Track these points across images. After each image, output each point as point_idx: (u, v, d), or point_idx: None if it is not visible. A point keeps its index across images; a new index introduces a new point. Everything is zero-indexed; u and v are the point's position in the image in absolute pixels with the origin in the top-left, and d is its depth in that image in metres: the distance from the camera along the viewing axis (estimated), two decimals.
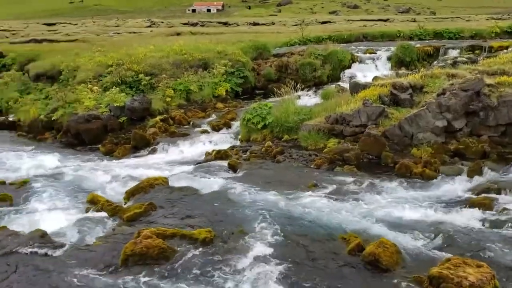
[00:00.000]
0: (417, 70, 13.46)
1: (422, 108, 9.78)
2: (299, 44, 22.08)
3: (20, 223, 7.33)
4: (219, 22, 61.94)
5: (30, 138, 13.89)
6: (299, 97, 13.80)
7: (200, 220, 7.06)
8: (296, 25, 43.15)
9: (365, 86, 11.57)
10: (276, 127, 11.17)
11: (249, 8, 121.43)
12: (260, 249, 6.17)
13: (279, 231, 6.58)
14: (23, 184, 9.37)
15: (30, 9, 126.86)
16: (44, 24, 63.87)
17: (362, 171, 8.92)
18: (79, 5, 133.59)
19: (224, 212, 7.30)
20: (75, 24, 61.45)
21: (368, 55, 19.32)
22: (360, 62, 18.89)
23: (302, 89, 13.49)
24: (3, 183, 9.52)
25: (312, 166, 9.31)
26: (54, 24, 63.08)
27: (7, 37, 39.19)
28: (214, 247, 6.22)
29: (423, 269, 5.42)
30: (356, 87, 11.71)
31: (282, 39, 23.28)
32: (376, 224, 6.70)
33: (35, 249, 6.16)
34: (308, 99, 14.94)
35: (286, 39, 23.15)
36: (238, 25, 54.02)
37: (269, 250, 6.12)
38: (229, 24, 56.80)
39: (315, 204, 7.44)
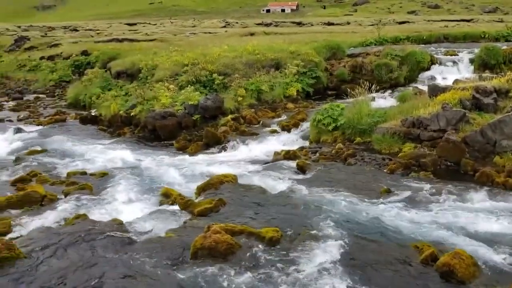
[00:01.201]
0: (502, 73, 12.57)
1: (507, 114, 9.12)
2: (375, 45, 21.52)
3: (99, 212, 7.75)
4: (293, 22, 61.91)
5: (110, 132, 14.62)
6: (373, 98, 13.43)
7: (267, 219, 7.07)
8: (372, 25, 42.09)
9: (444, 89, 11.02)
10: (348, 129, 10.93)
11: (324, 8, 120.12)
12: (327, 252, 6.05)
13: (348, 236, 6.42)
14: (103, 175, 9.91)
15: (114, 10, 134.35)
16: (126, 24, 67.39)
17: (439, 178, 8.48)
18: (159, 5, 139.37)
19: (291, 213, 7.25)
20: (154, 24, 64.24)
21: (449, 56, 18.41)
22: (440, 64, 18.04)
23: (377, 91, 13.06)
24: (85, 173, 10.13)
25: (385, 170, 9.00)
26: (134, 24, 66.40)
27: (92, 36, 41.83)
28: (280, 247, 6.20)
29: (502, 284, 5.04)
30: (435, 90, 11.19)
31: (357, 39, 22.82)
32: (452, 234, 6.34)
33: (112, 237, 6.47)
34: (383, 101, 14.50)
35: (361, 39, 22.66)
36: (312, 25, 53.69)
37: (336, 254, 5.99)
38: (303, 24, 56.59)
39: (387, 210, 7.18)
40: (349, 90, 12.95)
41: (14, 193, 8.62)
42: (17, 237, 6.68)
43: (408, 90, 14.82)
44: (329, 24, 53.00)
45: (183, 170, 10.08)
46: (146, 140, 13.32)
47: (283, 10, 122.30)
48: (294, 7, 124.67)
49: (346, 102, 12.39)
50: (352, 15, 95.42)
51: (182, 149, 12.11)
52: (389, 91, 16.53)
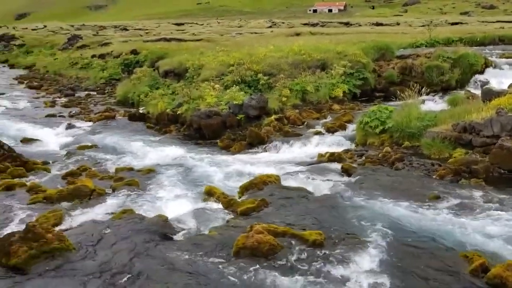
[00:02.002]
0: None
1: None
2: (425, 46, 20.90)
3: (145, 207, 7.91)
4: (340, 22, 61.19)
5: (157, 130, 14.91)
6: (423, 101, 13.01)
7: (310, 221, 6.99)
8: (423, 25, 40.92)
9: (499, 94, 10.54)
10: (396, 132, 10.64)
11: (373, 8, 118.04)
12: (371, 258, 5.93)
13: (393, 242, 6.25)
14: (149, 171, 10.11)
15: (163, 9, 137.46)
16: (174, 24, 68.78)
17: (491, 186, 8.10)
18: (206, 6, 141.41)
19: (335, 216, 7.14)
20: (201, 24, 65.23)
21: (504, 59, 17.62)
22: (495, 67, 17.29)
23: (427, 94, 12.70)
24: (132, 169, 10.38)
25: (434, 176, 8.69)
26: (182, 24, 67.67)
27: (141, 36, 42.93)
28: (324, 250, 6.11)
29: None
30: (489, 94, 10.72)
31: (407, 40, 22.25)
32: (504, 245, 6.04)
33: (157, 233, 6.60)
34: (433, 104, 14.05)
35: (411, 40, 22.08)
36: (360, 25, 52.87)
37: (381, 260, 5.85)
38: (351, 24, 55.82)
39: (435, 217, 6.93)
40: (398, 92, 12.63)
41: (65, 187, 8.95)
42: (67, 229, 6.92)
43: (459, 93, 14.28)
44: (378, 24, 51.99)
45: (226, 169, 10.14)
46: (191, 138, 13.49)
47: (330, 10, 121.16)
48: (342, 7, 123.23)
49: (395, 105, 12.08)
50: (402, 15, 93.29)
51: (226, 148, 12.19)
52: (440, 94, 16.01)
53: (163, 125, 15.03)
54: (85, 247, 6.14)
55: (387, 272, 5.58)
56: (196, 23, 69.71)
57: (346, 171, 9.14)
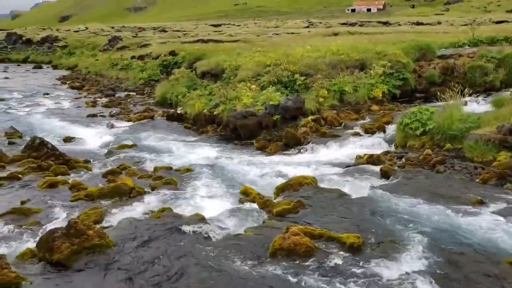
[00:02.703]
0: None
1: None
2: (468, 46, 20.20)
3: (182, 206, 8.01)
4: (379, 22, 60.20)
5: (194, 130, 15.10)
6: (465, 103, 12.59)
7: (347, 224, 6.88)
8: (465, 24, 39.68)
9: None
10: (437, 134, 10.34)
11: (413, 7, 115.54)
12: (411, 263, 5.76)
13: (434, 247, 6.06)
14: (186, 171, 10.23)
15: (201, 11, 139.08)
16: (211, 25, 69.50)
17: None
18: (243, 7, 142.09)
19: (373, 219, 6.99)
20: (238, 25, 65.60)
21: None
22: None
23: (470, 95, 12.26)
24: (170, 168, 10.54)
25: (477, 180, 8.39)
26: (219, 25, 68.30)
27: (179, 37, 43.61)
28: (361, 254, 6.00)
29: None
30: None
31: (448, 40, 21.58)
32: None
33: (195, 232, 6.65)
34: (476, 105, 13.56)
35: (453, 39, 21.39)
36: (399, 24, 51.83)
37: (421, 266, 5.68)
38: (390, 24, 54.82)
39: (478, 222, 6.68)
40: (439, 93, 12.28)
41: (105, 185, 9.17)
42: (107, 226, 7.08)
43: (505, 94, 13.72)
44: (418, 23, 50.79)
45: (262, 170, 10.14)
46: (227, 139, 13.57)
47: (369, 10, 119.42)
48: (381, 7, 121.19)
49: (436, 106, 11.74)
50: (443, 14, 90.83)
51: (262, 149, 12.18)
52: (483, 95, 15.45)
53: (200, 125, 15.18)
54: (125, 244, 6.26)
55: (426, 279, 5.41)
56: (233, 24, 70.17)
57: (385, 174, 8.95)
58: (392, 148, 11.01)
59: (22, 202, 8.40)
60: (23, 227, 7.29)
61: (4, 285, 5.23)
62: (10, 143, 13.44)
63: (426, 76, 16.91)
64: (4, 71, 41.18)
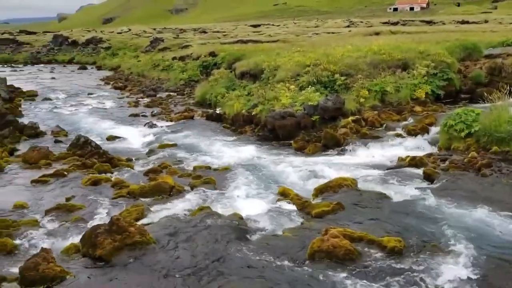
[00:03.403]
0: None
1: None
2: None
3: (221, 205, 8.05)
4: (422, 21, 58.70)
5: (233, 130, 15.18)
6: None
7: (388, 227, 6.72)
8: None
9: None
10: (483, 136, 9.94)
11: (458, 5, 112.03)
12: (454, 269, 5.57)
13: (479, 253, 5.83)
14: (225, 170, 10.30)
15: (241, 11, 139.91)
16: (250, 25, 69.77)
17: None
18: (283, 7, 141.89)
19: (415, 223, 6.80)
20: (277, 25, 65.55)
21: None
22: None
23: None
24: (209, 167, 10.64)
25: None
26: (258, 25, 68.46)
27: (219, 38, 44.03)
28: (403, 258, 5.85)
29: None
30: None
31: (496, 39, 20.75)
32: None
33: (233, 231, 6.67)
34: None
35: (501, 38, 20.54)
36: (443, 23, 50.38)
37: (465, 273, 5.48)
38: (434, 23, 53.35)
39: None
40: (485, 94, 11.80)
41: (146, 183, 9.35)
42: (148, 224, 7.21)
43: None
44: (463, 22, 49.16)
45: (300, 170, 10.05)
46: (265, 139, 13.56)
47: (411, 9, 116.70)
48: (424, 5, 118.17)
49: (482, 107, 11.30)
50: (491, 12, 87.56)
51: (300, 149, 12.09)
52: None
53: (239, 125, 15.24)
54: (165, 242, 6.36)
55: (469, 286, 5.21)
56: (273, 24, 70.20)
57: (428, 177, 8.69)
58: (436, 150, 10.68)
59: (67, 199, 8.70)
60: (68, 222, 7.53)
61: (49, 279, 5.42)
62: (56, 142, 13.95)
63: (472, 76, 16.30)
64: (51, 72, 42.87)
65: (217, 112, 17.52)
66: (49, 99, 24.27)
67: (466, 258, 5.77)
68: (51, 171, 10.44)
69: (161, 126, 16.18)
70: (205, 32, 59.54)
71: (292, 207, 7.82)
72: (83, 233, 6.52)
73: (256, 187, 9.15)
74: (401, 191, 8.15)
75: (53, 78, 36.76)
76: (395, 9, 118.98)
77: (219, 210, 7.66)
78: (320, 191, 8.32)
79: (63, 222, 7.57)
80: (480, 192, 7.78)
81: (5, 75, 31.42)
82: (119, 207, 8.11)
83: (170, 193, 8.71)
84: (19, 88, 27.02)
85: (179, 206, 8.07)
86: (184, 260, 5.88)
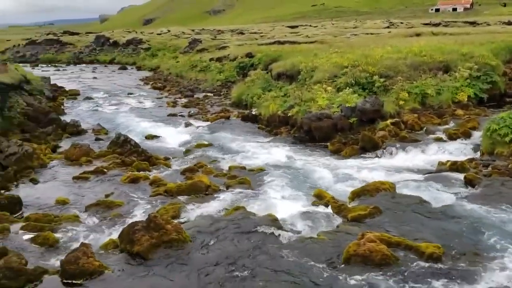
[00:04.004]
0: None
1: None
2: None
3: (256, 206, 8.06)
4: (466, 22, 56.95)
5: (268, 131, 15.18)
6: None
7: (426, 233, 6.55)
8: None
9: None
10: None
11: (504, 6, 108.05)
12: (495, 278, 5.39)
13: None
14: (260, 171, 10.31)
15: (278, 13, 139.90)
16: (288, 26, 69.58)
17: None
18: (321, 7, 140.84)
19: (456, 230, 6.60)
20: (315, 26, 65.09)
21: None
22: None
23: None
24: (244, 168, 10.68)
25: None
26: (296, 26, 68.17)
27: (256, 39, 44.08)
28: (442, 265, 5.69)
29: None
30: None
31: None
32: None
33: (267, 232, 6.67)
34: None
35: None
36: (488, 24, 48.67)
37: (506, 281, 5.28)
38: (477, 24, 51.64)
39: None
40: None
41: (183, 181, 9.48)
42: (185, 222, 7.31)
43: None
44: (510, 23, 47.28)
45: (336, 173, 9.95)
46: (301, 141, 13.49)
47: (454, 9, 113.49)
48: (468, 6, 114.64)
49: None
50: None
51: (336, 152, 11.96)
52: None
53: (274, 126, 15.23)
54: (200, 240, 6.42)
55: None
56: (310, 25, 69.77)
57: (469, 182, 8.41)
58: (478, 155, 10.33)
59: (107, 195, 8.93)
60: (107, 218, 7.73)
61: (88, 273, 5.57)
62: (96, 139, 14.35)
63: None
64: (92, 72, 44.15)
65: (253, 113, 17.56)
66: (91, 98, 25.00)
67: (507, 266, 5.56)
68: (91, 168, 10.75)
69: (198, 126, 16.37)
70: (242, 33, 59.83)
71: (328, 210, 7.74)
72: (122, 229, 6.66)
73: (291, 188, 9.11)
74: (441, 197, 7.93)
75: (94, 77, 37.85)
76: (437, 10, 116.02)
77: (253, 210, 7.67)
78: (356, 194, 8.20)
79: (102, 218, 7.77)
80: None
81: (49, 74, 32.73)
82: (157, 205, 8.26)
83: (206, 192, 8.80)
84: (62, 87, 27.98)
85: (214, 205, 8.15)
86: (219, 259, 5.92)
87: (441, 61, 16.07)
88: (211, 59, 33.74)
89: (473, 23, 53.61)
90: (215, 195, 8.68)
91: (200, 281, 5.48)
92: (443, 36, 27.48)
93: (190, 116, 18.69)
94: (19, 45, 69.37)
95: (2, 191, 9.14)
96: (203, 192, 8.78)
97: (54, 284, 5.56)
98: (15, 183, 9.78)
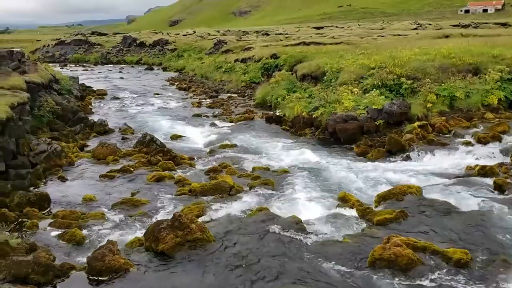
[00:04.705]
0: None
1: None
2: None
3: (279, 207, 8.06)
4: (497, 23, 55.63)
5: (292, 132, 15.12)
6: None
7: (453, 238, 6.43)
8: None
9: None
10: None
11: None
12: None
13: None
14: (284, 172, 10.28)
15: (304, 14, 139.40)
16: (313, 27, 69.26)
17: None
18: (347, 8, 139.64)
19: (484, 235, 6.45)
20: (341, 28, 64.61)
21: None
22: None
23: None
24: (268, 169, 10.66)
25: None
26: (321, 27, 67.80)
27: (281, 40, 44.00)
28: (469, 271, 5.58)
29: None
30: None
31: None
32: None
33: (291, 234, 6.65)
34: None
35: None
36: None
37: None
38: (509, 25, 50.38)
39: None
40: None
41: (207, 181, 9.53)
42: (208, 221, 7.35)
43: None
44: None
45: (362, 176, 9.84)
46: (325, 142, 13.40)
47: (485, 10, 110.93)
48: (499, 7, 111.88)
49: None
50: None
51: (362, 154, 11.82)
52: None
53: (298, 128, 15.16)
54: (224, 240, 6.44)
55: None
56: (336, 26, 69.29)
57: (499, 187, 8.19)
58: (508, 160, 10.05)
59: (132, 194, 9.05)
60: (133, 217, 7.83)
61: (114, 270, 5.66)
62: (123, 139, 14.57)
63: None
64: (119, 72, 44.89)
65: (277, 114, 17.54)
66: (118, 98, 25.41)
67: None
68: (118, 167, 10.91)
69: (222, 127, 16.45)
70: (267, 34, 59.84)
71: (353, 213, 7.66)
72: (147, 227, 6.74)
73: (315, 191, 9.05)
74: (469, 202, 7.75)
75: (121, 78, 38.47)
76: (467, 11, 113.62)
77: (277, 212, 7.66)
78: (382, 198, 8.08)
79: (128, 216, 7.88)
80: None
81: (77, 74, 33.40)
82: (181, 204, 8.33)
83: (229, 192, 8.82)
84: (90, 87, 28.54)
85: (238, 206, 8.16)
86: (242, 260, 5.93)
87: (470, 63, 15.70)
88: (236, 60, 33.87)
89: (504, 25, 52.33)
90: (239, 196, 8.70)
91: (223, 281, 5.50)
92: (473, 37, 26.88)
93: (214, 116, 18.79)
94: (48, 45, 71.14)
95: (31, 188, 9.36)
96: (227, 192, 8.81)
97: (81, 280, 5.67)
98: (43, 180, 10.01)
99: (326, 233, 6.89)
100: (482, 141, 11.18)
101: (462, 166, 9.90)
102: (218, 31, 75.02)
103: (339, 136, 13.18)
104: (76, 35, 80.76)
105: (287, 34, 56.19)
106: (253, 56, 32.05)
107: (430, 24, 60.61)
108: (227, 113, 19.34)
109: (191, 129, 16.38)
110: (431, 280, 5.44)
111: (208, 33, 71.17)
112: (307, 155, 11.97)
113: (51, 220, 7.61)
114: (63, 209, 8.14)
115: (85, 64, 56.72)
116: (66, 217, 7.69)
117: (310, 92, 17.17)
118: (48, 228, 7.34)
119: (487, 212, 7.21)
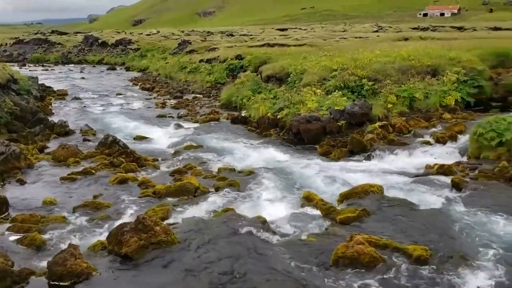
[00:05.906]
0: None
1: None
2: None
3: (245, 208, 8.07)
4: (453, 27, 57.65)
5: (257, 133, 15.19)
6: None
7: (414, 236, 6.61)
8: None
9: None
10: None
11: (491, 11, 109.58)
12: (482, 281, 5.44)
13: (508, 265, 5.68)
14: (249, 173, 10.32)
15: (268, 15, 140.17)
16: (277, 29, 69.79)
17: None
18: (310, 11, 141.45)
19: (442, 233, 6.67)
20: (305, 29, 65.35)
21: None
22: None
23: None
24: (233, 170, 10.68)
25: None
26: (285, 29, 68.38)
27: (246, 41, 44.13)
28: (428, 268, 5.74)
29: None
30: None
31: None
32: None
33: (256, 234, 6.68)
34: None
35: None
36: (475, 29, 49.30)
37: (492, 285, 5.34)
38: (465, 29, 52.30)
39: None
40: None
41: (172, 183, 9.44)
42: (173, 223, 7.28)
43: None
44: (496, 29, 47.89)
45: (325, 175, 9.98)
46: (290, 143, 13.53)
47: (442, 14, 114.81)
48: (455, 11, 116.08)
49: None
50: None
51: (325, 154, 12.00)
52: None
53: (263, 128, 15.25)
54: (189, 242, 6.40)
55: None
56: (300, 28, 70.05)
57: (456, 185, 8.50)
58: (465, 159, 10.45)
59: (95, 196, 8.87)
60: (95, 220, 7.68)
61: (76, 274, 5.53)
62: (84, 140, 14.25)
63: (504, 84, 15.90)
64: (81, 72, 43.83)
65: (243, 115, 17.57)
66: (79, 98, 24.81)
67: (494, 270, 5.63)
68: (79, 169, 10.67)
69: (187, 128, 16.33)
70: (232, 35, 59.83)
71: (317, 212, 7.77)
72: (110, 230, 6.62)
73: (280, 190, 9.13)
74: (428, 200, 8.00)
75: (83, 78, 37.57)
76: (425, 15, 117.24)
77: (243, 212, 7.67)
78: (345, 197, 8.24)
79: (90, 219, 7.72)
80: (510, 202, 7.56)
81: (36, 74, 32.41)
82: (145, 206, 8.23)
83: (195, 194, 8.78)
84: (50, 87, 27.73)
85: (203, 207, 8.14)
86: (207, 261, 5.91)
87: (429, 65, 16.24)
88: (200, 61, 33.70)
89: (460, 28, 54.28)
90: (204, 197, 8.67)
91: (188, 283, 5.47)
92: (431, 40, 27.79)
93: (179, 117, 18.64)
94: (6, 44, 68.62)
95: None
96: (192, 194, 8.76)
97: (41, 286, 5.51)
98: (1, 183, 9.68)
99: (290, 232, 6.96)
100: (441, 140, 11.59)
101: (421, 165, 10.21)
102: (183, 31, 74.43)
103: (303, 136, 13.34)
104: (36, 34, 78.38)
105: (251, 35, 56.39)
106: (218, 56, 31.97)
107: (390, 27, 62.17)
108: (192, 114, 19.21)
109: (156, 130, 16.19)
110: (392, 276, 5.58)
111: (172, 33, 70.50)
112: (272, 155, 12.07)
113: (10, 225, 7.36)
114: (22, 213, 7.88)
115: (45, 64, 55.04)
116: (25, 221, 7.45)
117: (275, 93, 17.29)
118: (7, 232, 7.10)
119: (445, 210, 7.47)
